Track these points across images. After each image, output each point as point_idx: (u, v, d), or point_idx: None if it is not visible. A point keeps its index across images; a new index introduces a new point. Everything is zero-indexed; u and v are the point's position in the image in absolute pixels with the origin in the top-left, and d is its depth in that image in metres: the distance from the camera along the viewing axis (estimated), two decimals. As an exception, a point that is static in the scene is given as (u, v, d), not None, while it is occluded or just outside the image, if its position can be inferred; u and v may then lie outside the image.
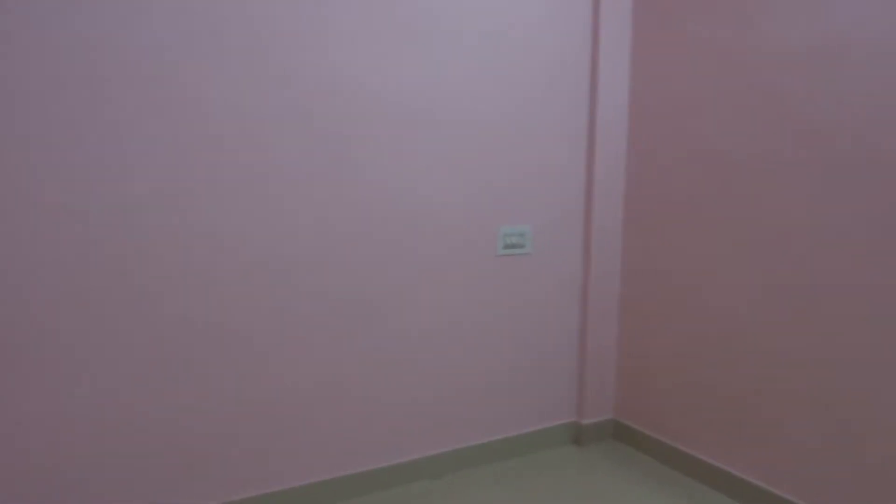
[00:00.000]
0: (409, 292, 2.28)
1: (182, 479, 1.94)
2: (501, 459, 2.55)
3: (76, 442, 1.78)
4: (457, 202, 2.34)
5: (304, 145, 2.03)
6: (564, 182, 2.59)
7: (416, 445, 2.37)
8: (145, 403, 1.86)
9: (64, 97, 1.66)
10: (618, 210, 2.69)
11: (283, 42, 1.96)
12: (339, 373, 2.18)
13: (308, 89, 2.02)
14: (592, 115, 2.60)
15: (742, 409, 2.23)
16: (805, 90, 1.98)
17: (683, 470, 2.45)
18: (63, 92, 1.66)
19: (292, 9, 1.96)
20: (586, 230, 2.66)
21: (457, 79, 2.29)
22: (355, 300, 2.18)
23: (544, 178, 2.53)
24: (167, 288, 1.85)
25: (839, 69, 1.88)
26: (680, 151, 2.43)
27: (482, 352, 2.48)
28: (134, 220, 1.79)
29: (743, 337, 2.21)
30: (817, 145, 1.95)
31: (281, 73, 1.96)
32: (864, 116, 1.82)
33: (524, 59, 2.44)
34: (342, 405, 2.19)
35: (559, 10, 2.50)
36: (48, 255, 1.68)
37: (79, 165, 1.69)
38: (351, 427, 2.22)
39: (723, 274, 2.28)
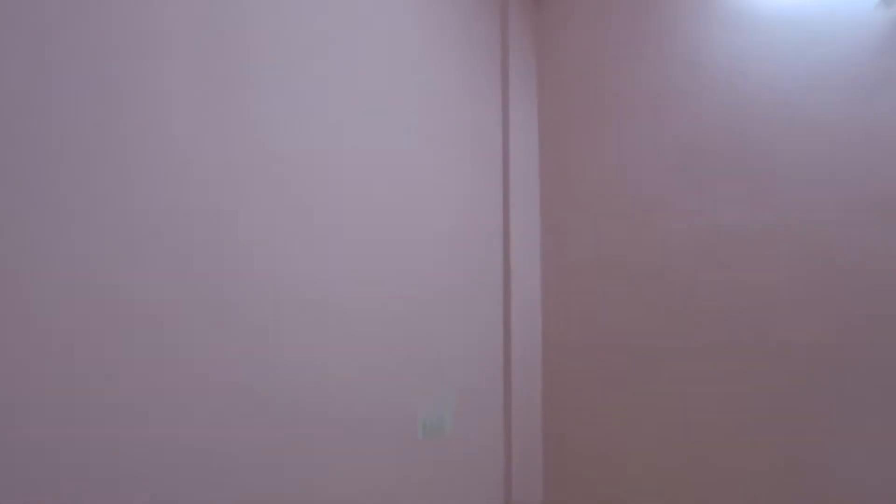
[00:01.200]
0: (321, 485, 2.07)
1: None
2: None
3: None
4: (374, 391, 2.21)
5: (211, 338, 1.78)
6: (483, 367, 2.50)
7: None
8: None
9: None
10: (536, 391, 2.66)
11: (201, 239, 1.81)
12: None
13: (218, 279, 1.83)
14: (507, 304, 2.60)
15: None
16: (697, 277, 2.13)
17: None
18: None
19: (203, 205, 1.85)
20: (506, 412, 2.58)
21: (368, 269, 2.17)
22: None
23: (462, 361, 2.46)
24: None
25: (726, 256, 2.06)
26: (589, 337, 2.49)
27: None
28: None
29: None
30: (713, 328, 2.08)
31: (200, 276, 1.80)
32: (753, 300, 1.97)
33: (440, 246, 2.41)
34: None
35: (471, 213, 2.54)
36: None
37: None
38: None
39: (637, 445, 2.29)
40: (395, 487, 2.20)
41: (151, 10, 1.83)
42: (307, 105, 2.12)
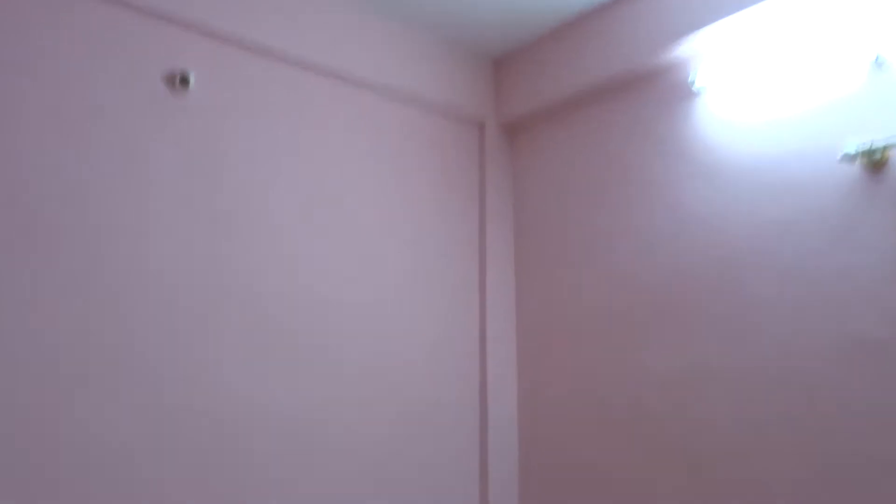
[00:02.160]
0: None
1: None
2: None
3: None
4: None
5: (191, 472, 1.88)
6: (460, 496, 2.49)
7: None
8: None
9: None
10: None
11: (180, 373, 1.91)
12: None
13: (200, 418, 1.92)
14: (484, 433, 2.58)
15: None
16: (676, 412, 2.15)
17: None
18: None
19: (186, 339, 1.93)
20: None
21: (346, 399, 2.23)
22: None
23: (440, 494, 2.43)
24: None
25: (705, 392, 2.09)
26: (565, 468, 2.45)
27: None
28: None
29: None
30: (690, 465, 2.09)
31: (169, 401, 1.88)
32: (730, 437, 2.00)
33: (417, 378, 2.43)
34: None
35: (448, 343, 2.56)
36: None
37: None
38: None
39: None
40: None
41: (143, 153, 1.95)
42: (291, 242, 2.21)
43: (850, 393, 1.78)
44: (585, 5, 2.51)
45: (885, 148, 1.76)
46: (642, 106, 2.42)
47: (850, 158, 1.83)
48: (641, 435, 2.23)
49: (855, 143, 1.84)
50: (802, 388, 1.87)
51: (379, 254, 2.41)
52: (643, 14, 2.35)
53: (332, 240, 2.30)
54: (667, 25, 2.26)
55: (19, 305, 1.68)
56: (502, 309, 2.74)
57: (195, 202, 2.02)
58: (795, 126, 1.99)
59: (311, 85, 2.34)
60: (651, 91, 2.40)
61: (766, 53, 2.09)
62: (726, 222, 2.12)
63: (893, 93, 1.80)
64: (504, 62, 2.89)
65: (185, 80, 2.01)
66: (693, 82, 2.25)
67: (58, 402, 1.71)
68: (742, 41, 2.15)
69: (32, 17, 1.82)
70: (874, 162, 1.79)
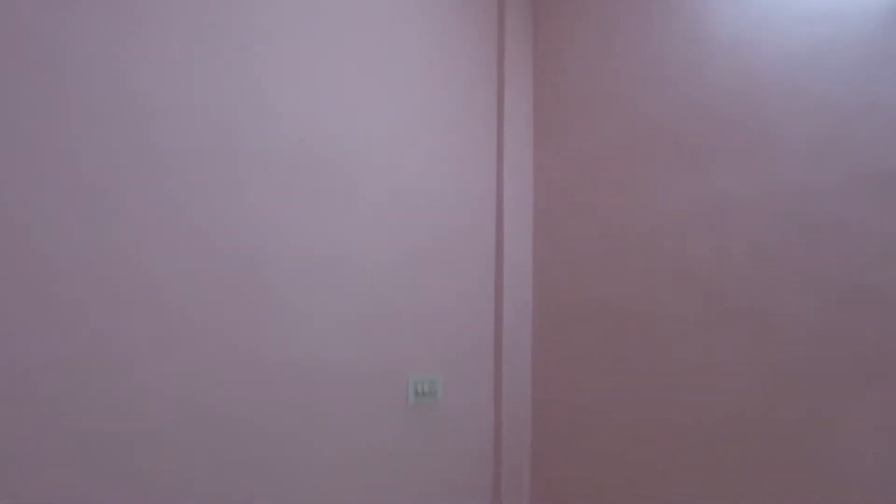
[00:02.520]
0: (312, 447, 2.07)
1: None
2: None
3: None
4: (368, 354, 2.20)
5: (204, 293, 1.85)
6: (475, 330, 2.54)
7: None
8: None
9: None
10: (527, 355, 2.69)
11: (196, 203, 1.87)
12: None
13: (216, 245, 1.88)
14: (499, 268, 2.63)
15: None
16: (689, 245, 2.14)
17: None
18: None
19: (209, 172, 1.90)
20: (497, 376, 2.61)
21: (363, 231, 2.23)
22: (251, 462, 1.95)
23: (454, 324, 2.47)
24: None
25: (719, 225, 2.07)
26: (579, 304, 2.51)
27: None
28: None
29: (650, 475, 2.21)
30: (703, 296, 2.10)
31: (193, 228, 1.85)
32: (744, 269, 2.01)
33: (433, 210, 2.44)
34: None
35: (466, 170, 2.57)
36: None
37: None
38: None
39: (625, 412, 2.31)
40: (386, 450, 2.25)
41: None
42: (308, 68, 2.18)
43: (872, 228, 1.74)
44: None
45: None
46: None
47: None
48: (656, 267, 2.24)
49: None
50: (822, 222, 1.84)
51: (394, 92, 2.40)
52: None
53: (351, 65, 2.28)
54: None
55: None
56: (519, 140, 2.74)
57: (212, 40, 1.96)
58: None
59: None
60: None
61: None
62: (751, 50, 2.05)
63: None
64: None
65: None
66: None
67: (77, 219, 1.67)
68: None
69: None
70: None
